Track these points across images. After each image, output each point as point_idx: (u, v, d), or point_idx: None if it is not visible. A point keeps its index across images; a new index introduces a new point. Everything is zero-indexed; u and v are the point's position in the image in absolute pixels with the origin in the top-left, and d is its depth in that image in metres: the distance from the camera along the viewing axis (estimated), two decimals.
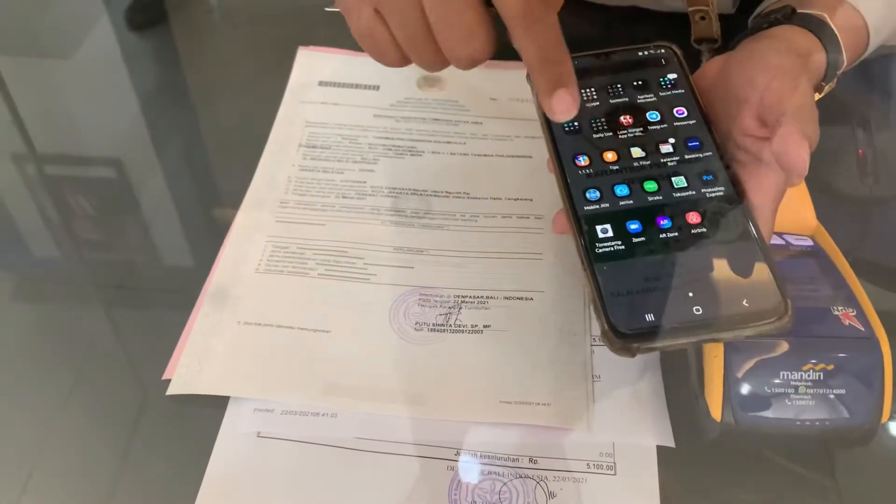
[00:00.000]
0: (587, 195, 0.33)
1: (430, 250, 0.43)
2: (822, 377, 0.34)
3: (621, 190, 0.33)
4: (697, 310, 0.30)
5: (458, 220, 0.45)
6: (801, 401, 0.34)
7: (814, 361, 0.34)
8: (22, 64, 0.61)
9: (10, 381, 0.40)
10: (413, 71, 0.54)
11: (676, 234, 0.32)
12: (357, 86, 0.53)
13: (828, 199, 0.45)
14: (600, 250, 0.32)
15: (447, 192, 0.47)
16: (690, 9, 0.46)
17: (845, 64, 0.38)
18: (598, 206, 0.33)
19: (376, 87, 0.53)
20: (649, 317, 0.30)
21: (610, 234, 0.32)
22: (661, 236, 0.32)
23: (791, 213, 0.39)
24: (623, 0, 0.57)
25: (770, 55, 0.34)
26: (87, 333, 0.42)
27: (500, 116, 0.51)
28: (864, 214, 0.48)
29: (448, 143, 0.50)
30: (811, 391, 0.34)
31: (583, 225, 0.32)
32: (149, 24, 0.64)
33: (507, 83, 0.53)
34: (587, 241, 0.32)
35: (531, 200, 0.46)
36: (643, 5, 0.56)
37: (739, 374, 0.34)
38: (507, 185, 0.47)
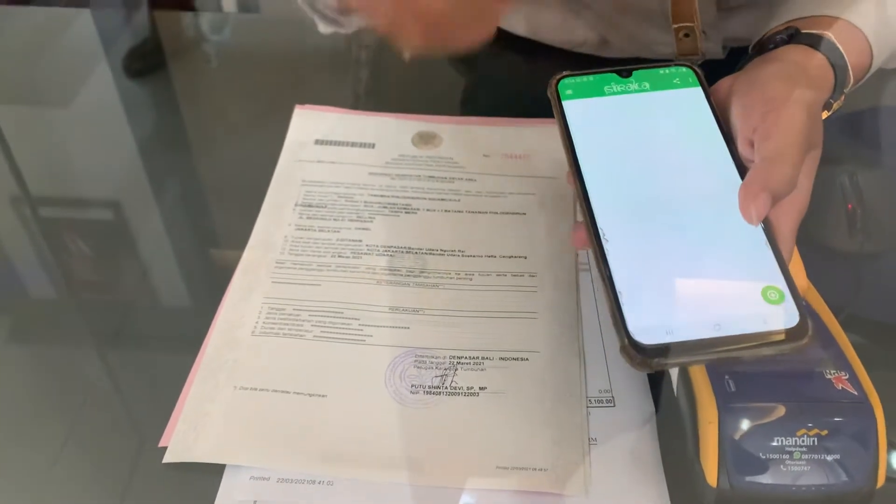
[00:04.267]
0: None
1: (426, 310, 0.44)
2: (816, 442, 0.34)
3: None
4: (717, 327, 0.29)
5: (453, 279, 0.45)
6: (796, 466, 0.34)
7: (808, 426, 0.34)
8: (20, 112, 0.62)
9: (2, 434, 0.39)
10: (408, 128, 0.55)
11: (698, 250, 0.32)
12: (353, 144, 0.54)
13: (818, 255, 0.46)
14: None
15: (442, 249, 0.47)
16: (675, 25, 0.47)
17: (851, 83, 0.39)
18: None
19: (372, 145, 0.54)
20: (669, 333, 0.29)
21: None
22: (682, 252, 0.32)
23: None
24: (623, 52, 0.58)
25: (771, 85, 0.34)
26: (82, 385, 0.42)
27: (494, 173, 0.52)
28: (856, 270, 0.48)
29: (442, 200, 0.50)
30: (806, 456, 0.34)
31: (603, 238, 0.32)
32: (147, 71, 0.65)
33: (500, 140, 0.54)
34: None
35: (525, 258, 0.46)
36: (643, 55, 0.58)
37: (734, 440, 0.34)
38: (501, 243, 0.47)
